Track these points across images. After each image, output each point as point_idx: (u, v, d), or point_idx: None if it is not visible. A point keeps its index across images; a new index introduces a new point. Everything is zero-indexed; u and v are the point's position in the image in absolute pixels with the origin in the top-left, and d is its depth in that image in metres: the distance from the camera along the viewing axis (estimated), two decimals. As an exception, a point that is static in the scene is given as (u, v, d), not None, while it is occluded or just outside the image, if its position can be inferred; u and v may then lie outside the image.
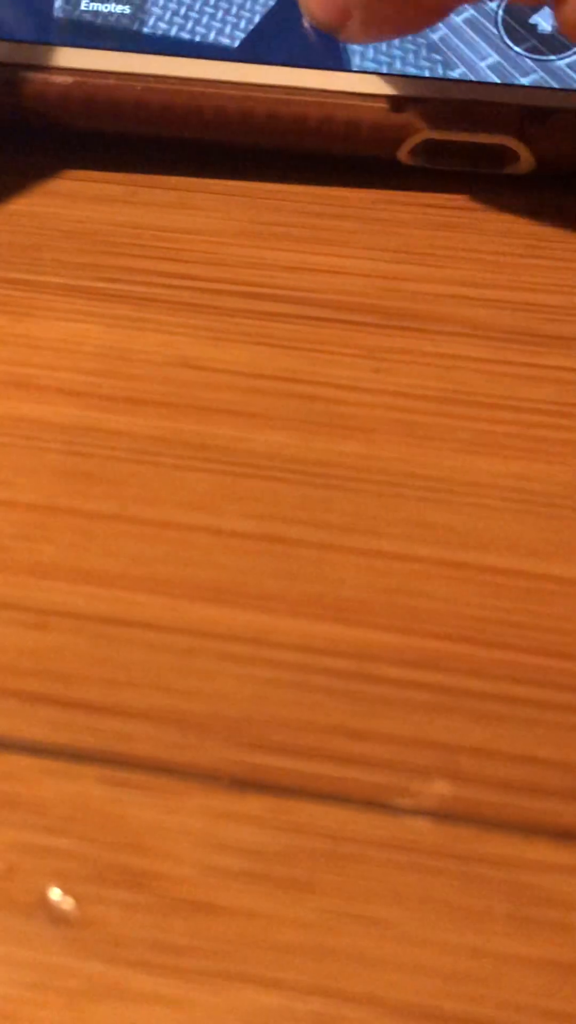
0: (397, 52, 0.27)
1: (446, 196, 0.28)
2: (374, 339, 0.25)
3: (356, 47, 0.27)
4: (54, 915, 0.17)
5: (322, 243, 0.27)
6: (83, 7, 0.28)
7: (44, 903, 0.17)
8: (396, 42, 0.27)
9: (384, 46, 0.27)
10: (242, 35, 0.28)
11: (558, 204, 0.28)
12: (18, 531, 0.22)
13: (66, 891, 0.18)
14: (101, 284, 0.26)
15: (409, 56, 0.27)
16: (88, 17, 0.28)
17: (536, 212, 0.27)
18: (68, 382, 0.24)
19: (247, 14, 0.28)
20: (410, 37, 0.27)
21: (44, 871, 0.18)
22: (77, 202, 0.27)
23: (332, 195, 0.28)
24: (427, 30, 0.27)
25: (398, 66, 0.27)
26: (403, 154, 0.27)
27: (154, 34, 0.28)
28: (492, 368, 0.24)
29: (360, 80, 0.27)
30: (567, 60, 0.27)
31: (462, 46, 0.27)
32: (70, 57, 0.27)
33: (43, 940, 0.17)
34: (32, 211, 0.27)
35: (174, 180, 0.28)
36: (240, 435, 0.23)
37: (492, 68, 0.27)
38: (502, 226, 0.27)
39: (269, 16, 0.28)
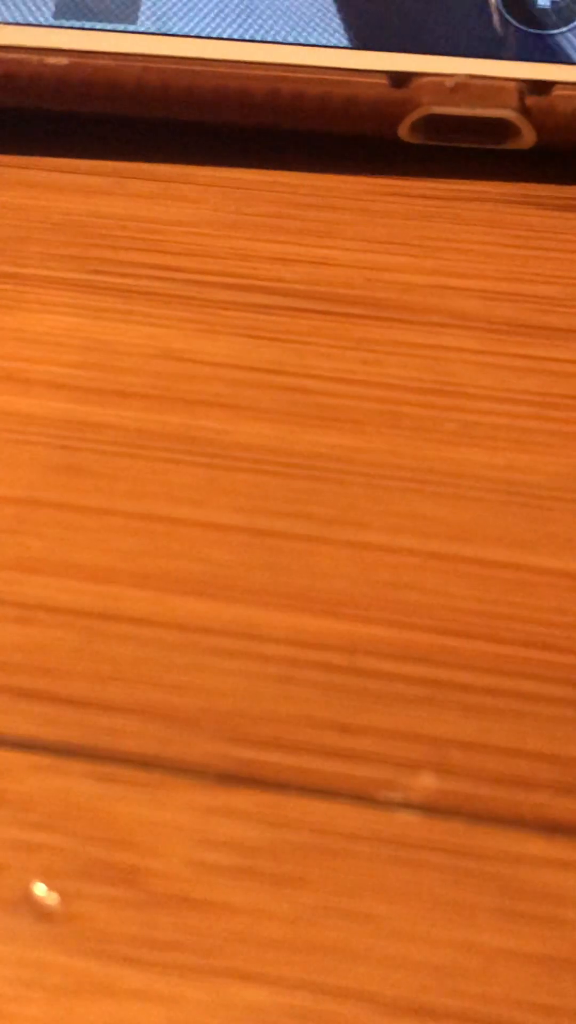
0: (396, 27, 0.27)
1: (437, 185, 0.28)
2: (362, 330, 0.25)
3: (356, 23, 0.27)
4: (39, 911, 0.17)
5: (310, 234, 0.27)
6: None
7: (29, 899, 0.17)
8: (393, 17, 0.27)
9: (381, 21, 0.27)
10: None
11: (551, 194, 0.28)
12: (4, 525, 0.22)
13: (51, 887, 0.17)
14: (87, 276, 0.26)
15: (407, 31, 0.27)
16: None
17: (528, 202, 0.27)
18: (54, 375, 0.24)
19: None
20: (406, 12, 0.27)
21: (30, 867, 0.18)
22: (62, 194, 0.27)
23: (320, 185, 0.28)
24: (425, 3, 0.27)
25: (397, 41, 0.27)
26: (403, 130, 0.27)
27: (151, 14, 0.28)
28: (481, 359, 0.24)
29: (360, 56, 0.27)
30: (567, 33, 0.27)
31: (462, 20, 0.27)
32: (65, 38, 0.27)
33: (28, 936, 0.17)
34: (16, 203, 0.27)
35: (160, 170, 0.28)
36: (227, 428, 0.23)
37: (493, 42, 0.27)
38: (493, 216, 0.27)
39: None
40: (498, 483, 0.22)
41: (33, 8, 0.27)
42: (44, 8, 0.27)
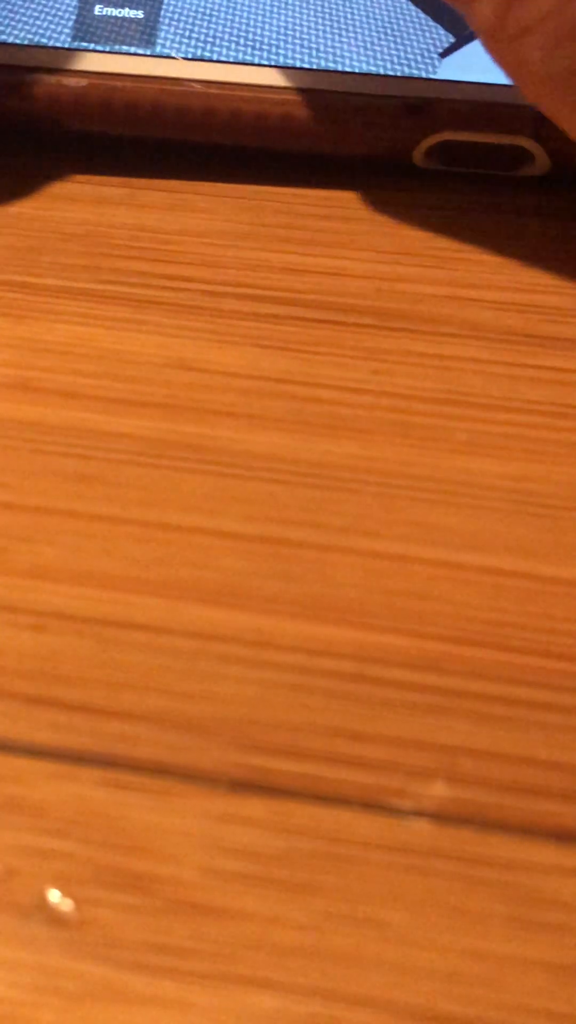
0: (407, 54, 0.27)
1: (447, 198, 0.28)
2: (372, 340, 0.25)
3: (371, 48, 0.27)
4: (53, 917, 0.17)
5: (321, 245, 0.27)
6: (96, 12, 0.28)
7: (43, 905, 0.17)
8: (406, 46, 0.27)
9: (390, 49, 0.27)
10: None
11: (560, 205, 0.28)
12: (18, 533, 0.22)
13: (66, 893, 0.18)
14: (100, 286, 0.26)
15: (419, 58, 0.27)
16: (101, 21, 0.28)
17: (537, 213, 0.27)
18: (67, 384, 0.24)
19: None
20: (421, 41, 0.27)
21: (44, 873, 0.18)
22: (76, 204, 0.27)
23: (332, 197, 0.28)
24: (438, 31, 0.27)
25: (409, 69, 0.27)
26: (418, 156, 0.27)
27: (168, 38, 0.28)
28: (490, 369, 0.24)
29: (375, 82, 0.27)
30: None
31: (476, 47, 0.27)
32: (83, 60, 0.27)
33: (42, 942, 0.17)
34: (31, 213, 0.27)
35: (173, 182, 0.28)
36: (239, 437, 0.23)
37: None
38: (502, 228, 0.27)
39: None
40: (508, 492, 0.22)
41: (51, 31, 0.28)
42: (62, 31, 0.28)
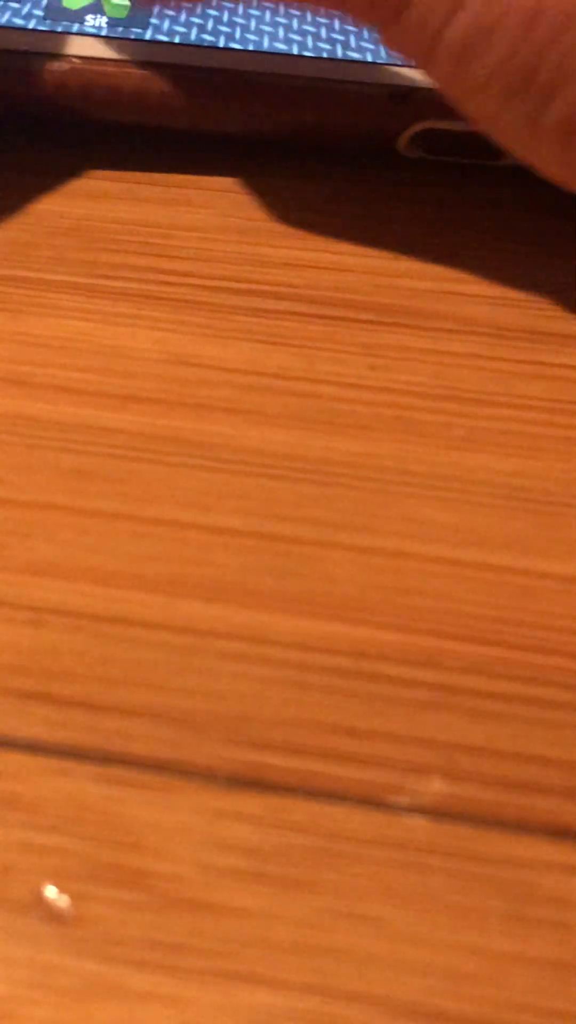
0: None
1: (444, 192, 0.28)
2: (370, 336, 0.25)
3: (359, 37, 0.27)
4: (50, 913, 0.17)
5: (319, 240, 0.27)
6: None
7: (40, 901, 0.17)
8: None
9: (377, 37, 0.27)
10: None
11: (554, 200, 0.28)
12: (14, 529, 0.22)
13: (62, 889, 0.18)
14: (98, 281, 0.26)
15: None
16: (84, 5, 0.28)
17: (532, 208, 0.27)
18: (65, 379, 0.24)
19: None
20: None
21: (40, 869, 0.18)
22: (74, 199, 0.27)
23: (328, 192, 0.28)
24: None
25: (395, 57, 0.27)
26: (402, 144, 0.27)
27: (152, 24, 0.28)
28: (488, 365, 0.24)
29: (359, 69, 0.27)
30: None
31: None
32: (67, 44, 0.27)
33: (39, 938, 0.17)
34: (29, 208, 0.27)
35: (170, 177, 0.28)
36: (236, 432, 0.23)
37: None
38: (499, 222, 0.27)
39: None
40: (505, 488, 0.22)
41: (34, 15, 0.28)
42: (45, 15, 0.28)
